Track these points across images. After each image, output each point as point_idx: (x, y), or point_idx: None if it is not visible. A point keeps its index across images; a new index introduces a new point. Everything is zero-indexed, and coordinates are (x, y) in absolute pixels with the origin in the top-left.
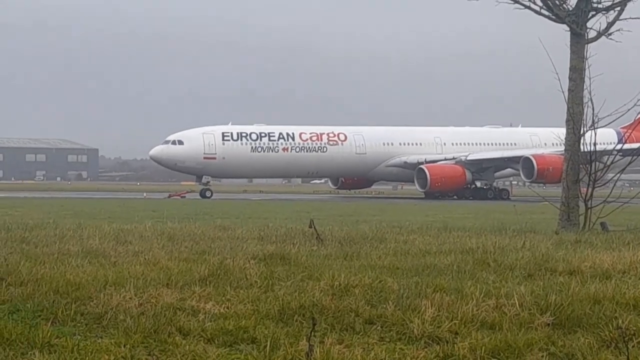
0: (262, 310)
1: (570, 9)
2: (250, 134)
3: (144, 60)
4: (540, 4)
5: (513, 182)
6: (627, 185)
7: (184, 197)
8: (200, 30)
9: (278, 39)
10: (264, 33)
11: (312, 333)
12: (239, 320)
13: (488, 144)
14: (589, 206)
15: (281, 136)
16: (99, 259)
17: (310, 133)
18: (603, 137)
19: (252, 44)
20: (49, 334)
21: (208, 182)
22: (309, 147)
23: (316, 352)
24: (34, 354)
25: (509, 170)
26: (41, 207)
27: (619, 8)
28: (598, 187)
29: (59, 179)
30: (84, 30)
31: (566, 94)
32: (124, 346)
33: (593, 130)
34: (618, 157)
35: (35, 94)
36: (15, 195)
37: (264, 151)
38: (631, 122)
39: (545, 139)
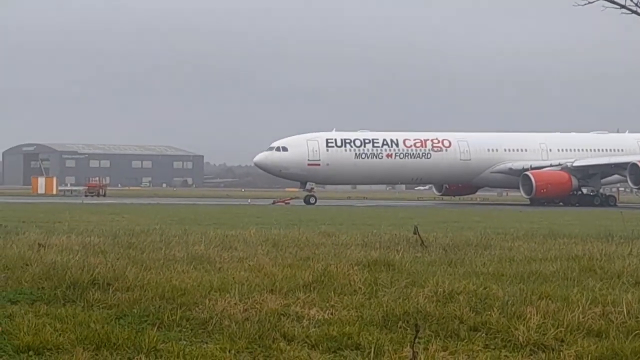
0: (366, 317)
1: None
2: (354, 140)
3: (249, 66)
4: None
5: (620, 189)
6: None
7: (288, 203)
8: (304, 35)
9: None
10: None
11: (416, 339)
12: (343, 327)
13: (594, 150)
14: None
15: (385, 142)
16: (204, 265)
17: (414, 139)
18: None
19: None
20: (155, 339)
21: (312, 188)
22: (413, 154)
23: (420, 358)
24: (140, 358)
25: (615, 177)
26: (147, 214)
27: None
28: None
29: (164, 185)
30: (186, 38)
31: None
32: (229, 351)
33: None
34: None
35: (141, 100)
36: (121, 202)
37: (368, 158)
38: None
39: None
